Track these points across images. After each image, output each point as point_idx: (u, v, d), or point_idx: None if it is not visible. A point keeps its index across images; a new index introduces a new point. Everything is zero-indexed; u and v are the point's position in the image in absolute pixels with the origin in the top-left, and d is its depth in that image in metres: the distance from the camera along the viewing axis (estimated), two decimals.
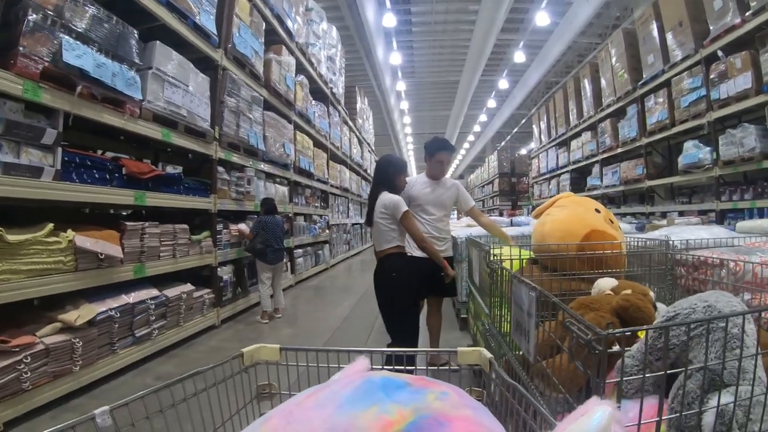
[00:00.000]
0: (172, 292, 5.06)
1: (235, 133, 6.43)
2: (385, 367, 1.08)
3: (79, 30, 3.80)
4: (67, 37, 3.65)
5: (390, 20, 14.31)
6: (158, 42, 4.85)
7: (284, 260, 7.03)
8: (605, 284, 2.04)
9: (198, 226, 5.82)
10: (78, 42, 3.75)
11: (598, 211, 2.69)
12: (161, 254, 4.96)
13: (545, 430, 0.79)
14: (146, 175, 4.68)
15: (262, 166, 7.60)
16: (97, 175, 4.13)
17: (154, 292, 4.80)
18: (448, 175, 4.52)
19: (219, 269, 6.19)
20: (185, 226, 5.36)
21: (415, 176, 4.42)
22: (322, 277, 9.21)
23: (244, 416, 1.13)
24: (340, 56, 14.38)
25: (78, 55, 3.72)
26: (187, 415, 0.99)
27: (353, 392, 0.75)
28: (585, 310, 1.66)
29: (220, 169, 6.19)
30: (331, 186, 13.10)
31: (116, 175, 4.36)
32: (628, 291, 1.95)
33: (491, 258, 2.42)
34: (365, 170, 19.44)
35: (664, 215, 8.96)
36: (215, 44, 5.96)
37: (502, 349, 2.08)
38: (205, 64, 5.89)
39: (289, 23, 8.92)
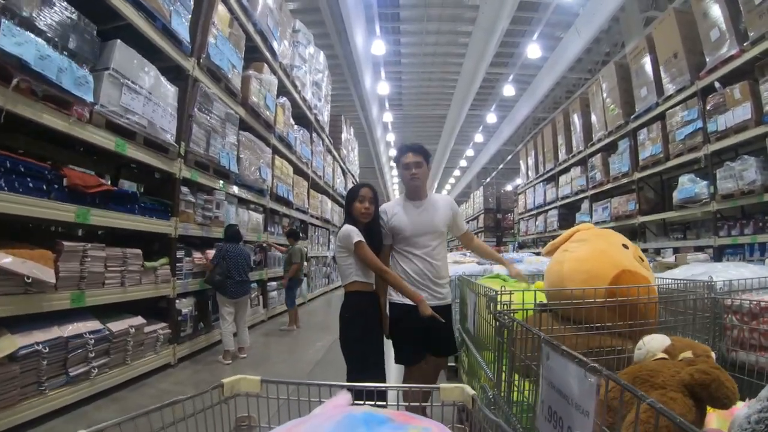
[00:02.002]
0: (118, 325, 4.45)
1: (205, 151, 5.91)
2: (367, 402, 1.07)
3: (24, 14, 3.34)
4: (6, 20, 3.19)
5: (379, 48, 14.09)
6: (119, 41, 4.39)
7: (249, 294, 6.43)
8: (656, 344, 1.56)
9: (157, 252, 5.26)
10: (20, 28, 3.29)
11: (625, 246, 2.21)
12: (107, 281, 4.37)
13: None
14: (93, 189, 4.14)
15: (234, 189, 7.07)
16: (31, 185, 3.58)
17: (96, 324, 4.20)
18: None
19: (178, 301, 5.57)
20: (137, 251, 4.79)
21: (391, 201, 3.48)
22: (298, 312, 8.61)
23: None
24: (327, 83, 14.10)
25: (18, 43, 3.25)
26: None
27: (334, 427, 0.75)
28: (644, 386, 1.21)
29: (185, 189, 5.64)
30: (311, 216, 12.55)
31: (56, 186, 3.80)
32: (689, 353, 1.49)
33: (499, 307, 1.89)
34: None
35: (657, 252, 8.63)
36: (187, 52, 5.53)
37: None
38: (174, 73, 5.44)
39: (274, 43, 8.57)
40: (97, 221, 4.18)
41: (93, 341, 4.05)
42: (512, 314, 1.80)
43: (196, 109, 5.71)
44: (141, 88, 4.66)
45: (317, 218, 13.36)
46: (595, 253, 2.13)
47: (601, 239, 2.25)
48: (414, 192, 3.27)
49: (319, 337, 7.41)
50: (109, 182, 5.55)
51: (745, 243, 6.38)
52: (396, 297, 3.14)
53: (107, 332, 4.26)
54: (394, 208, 3.26)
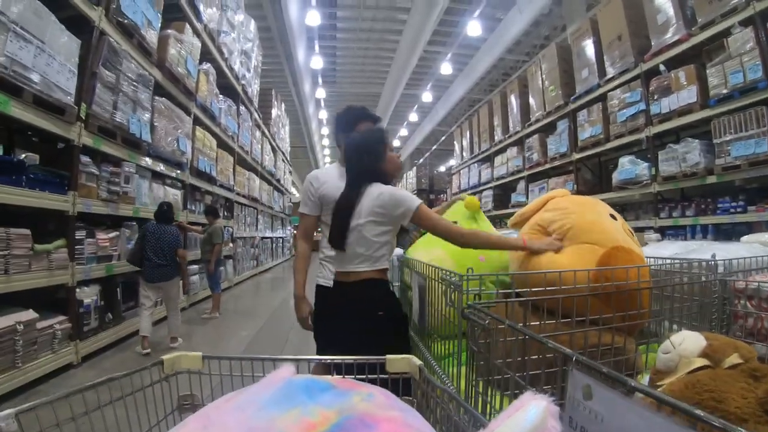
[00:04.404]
0: (2, 321, 3.70)
1: (111, 115, 5.09)
2: None
3: None
4: None
5: (314, 18, 13.30)
6: None
7: (174, 279, 5.67)
8: (691, 346, 1.18)
9: (53, 233, 4.49)
10: None
11: (613, 217, 1.82)
12: None
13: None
14: None
15: (147, 162, 6.24)
16: None
17: None
18: None
19: (78, 290, 4.79)
20: (25, 231, 4.01)
21: (325, 167, 2.97)
22: (223, 298, 7.93)
23: (165, 427, 1.03)
24: (257, 54, 13.25)
25: None
26: (102, 426, 0.90)
27: (274, 394, 0.71)
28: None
29: (86, 159, 4.83)
30: (237, 194, 11.72)
31: None
32: (735, 357, 1.12)
33: (466, 299, 1.49)
34: (278, 180, 18.15)
35: None
36: (93, 0, 4.73)
37: None
38: (78, 26, 4.60)
39: (200, 4, 7.85)
40: None
41: None
42: (488, 309, 1.37)
43: (101, 67, 4.89)
44: (33, 36, 3.86)
45: (244, 197, 12.51)
46: (581, 225, 1.75)
47: (584, 208, 1.85)
48: None
49: (243, 325, 6.82)
50: (1, 151, 4.78)
51: (687, 225, 6.35)
52: (323, 280, 2.47)
53: None
54: (328, 173, 2.63)
